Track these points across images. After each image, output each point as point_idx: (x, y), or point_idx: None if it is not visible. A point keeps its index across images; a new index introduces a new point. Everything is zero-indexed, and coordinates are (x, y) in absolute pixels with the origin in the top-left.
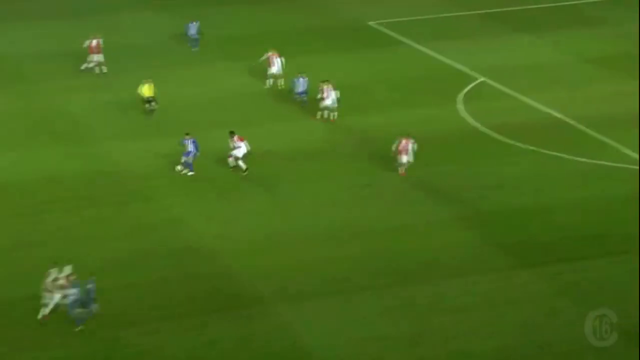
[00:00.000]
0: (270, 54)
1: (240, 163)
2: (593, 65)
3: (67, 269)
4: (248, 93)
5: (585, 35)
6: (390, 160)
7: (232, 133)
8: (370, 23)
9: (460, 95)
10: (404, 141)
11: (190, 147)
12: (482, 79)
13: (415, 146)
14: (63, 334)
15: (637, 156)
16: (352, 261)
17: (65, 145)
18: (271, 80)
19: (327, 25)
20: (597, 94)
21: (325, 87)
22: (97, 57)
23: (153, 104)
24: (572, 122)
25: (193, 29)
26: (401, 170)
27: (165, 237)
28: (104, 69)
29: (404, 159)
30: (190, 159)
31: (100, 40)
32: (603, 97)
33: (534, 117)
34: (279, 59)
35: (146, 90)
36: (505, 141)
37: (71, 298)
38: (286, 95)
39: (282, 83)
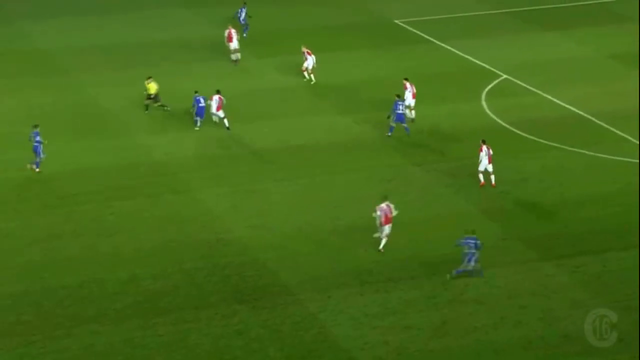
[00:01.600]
0: (303, 49)
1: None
2: (615, 61)
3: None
4: (279, 88)
5: (609, 32)
6: (416, 154)
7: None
8: (397, 21)
9: (484, 92)
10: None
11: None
12: (505, 76)
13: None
14: (98, 321)
15: None
16: (375, 253)
17: (99, 138)
18: (306, 74)
19: (354, 23)
20: (619, 89)
21: (408, 84)
22: (232, 45)
23: (150, 101)
24: (593, 118)
25: (243, 13)
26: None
27: (197, 229)
28: (238, 56)
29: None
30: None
31: (232, 30)
32: (624, 92)
33: (556, 113)
34: (311, 56)
35: (151, 87)
36: (527, 137)
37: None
38: (316, 90)
39: (313, 78)
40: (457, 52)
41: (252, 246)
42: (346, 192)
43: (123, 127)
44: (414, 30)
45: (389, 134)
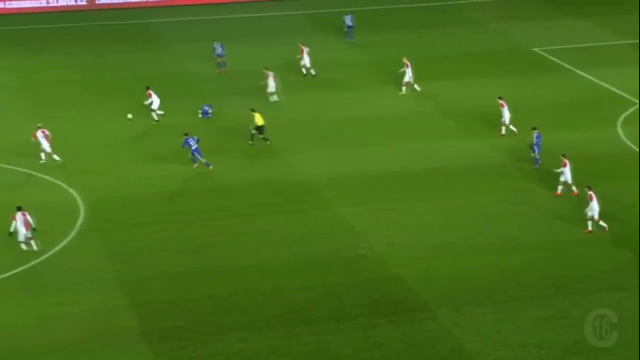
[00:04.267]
0: (404, 60)
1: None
2: None
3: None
4: (415, 111)
5: None
6: (547, 179)
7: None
8: (535, 49)
9: (620, 119)
10: (567, 162)
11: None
12: None
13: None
14: (246, 329)
15: None
16: (508, 272)
17: (243, 157)
18: (403, 89)
19: (494, 50)
20: None
21: (503, 102)
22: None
23: (255, 132)
24: None
25: (349, 20)
26: (559, 190)
27: (338, 244)
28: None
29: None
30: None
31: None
32: None
33: None
34: (408, 68)
35: (258, 119)
36: None
37: None
38: (450, 114)
39: (410, 89)
40: (594, 79)
41: (390, 263)
42: (478, 213)
43: (271, 146)
44: (552, 58)
45: (536, 166)
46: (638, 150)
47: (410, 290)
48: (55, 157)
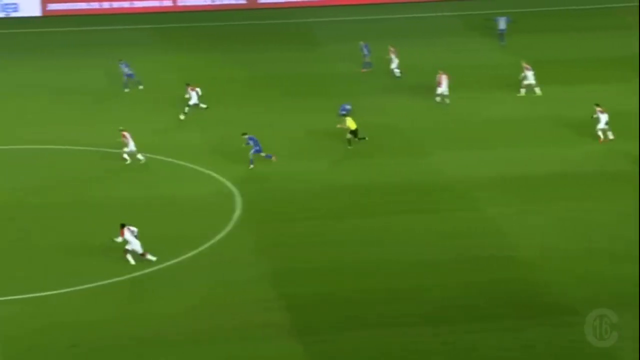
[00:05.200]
0: (523, 64)
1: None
2: None
3: None
4: (549, 116)
5: None
6: None
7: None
8: None
9: None
10: None
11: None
12: None
13: None
14: (390, 325)
15: None
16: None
17: (389, 156)
18: (523, 90)
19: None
20: None
21: (598, 109)
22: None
23: (351, 136)
24: None
25: (503, 23)
26: None
27: (484, 245)
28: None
29: None
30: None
31: (443, 76)
32: None
33: None
34: (529, 72)
35: (351, 123)
36: None
37: None
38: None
39: (538, 91)
40: None
41: (537, 265)
42: (614, 218)
43: (413, 146)
44: None
45: None
46: None
47: (558, 293)
48: (140, 156)
